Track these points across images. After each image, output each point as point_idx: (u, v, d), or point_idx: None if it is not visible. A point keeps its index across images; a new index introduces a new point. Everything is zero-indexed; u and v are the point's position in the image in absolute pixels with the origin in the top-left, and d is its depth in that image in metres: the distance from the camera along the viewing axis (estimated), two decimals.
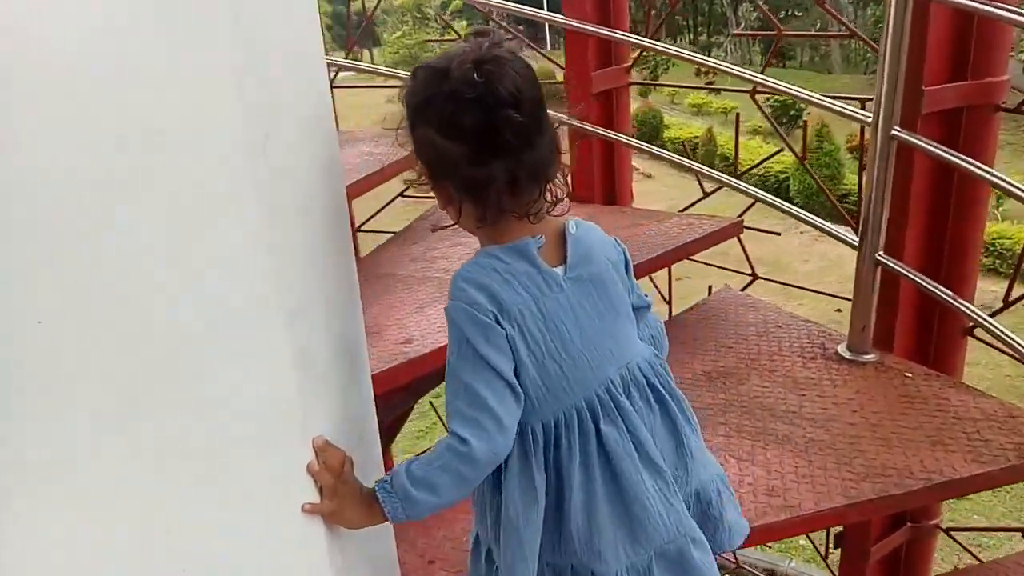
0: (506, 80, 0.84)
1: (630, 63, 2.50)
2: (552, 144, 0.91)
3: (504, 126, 0.84)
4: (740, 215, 2.25)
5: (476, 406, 0.87)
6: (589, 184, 2.53)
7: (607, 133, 2.43)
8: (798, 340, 1.98)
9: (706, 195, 2.43)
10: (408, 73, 0.92)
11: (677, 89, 17.71)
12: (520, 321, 0.89)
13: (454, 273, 0.92)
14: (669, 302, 2.51)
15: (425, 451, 0.92)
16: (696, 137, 15.39)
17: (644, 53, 2.77)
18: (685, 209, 2.52)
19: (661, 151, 2.57)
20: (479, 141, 0.85)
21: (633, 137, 2.61)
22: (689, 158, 2.50)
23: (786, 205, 2.18)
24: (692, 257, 2.16)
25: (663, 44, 2.11)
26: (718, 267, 2.53)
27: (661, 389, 1.01)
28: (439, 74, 0.86)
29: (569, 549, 0.96)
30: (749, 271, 2.41)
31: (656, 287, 2.47)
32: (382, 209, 2.86)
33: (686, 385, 1.81)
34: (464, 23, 20.18)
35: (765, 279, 2.46)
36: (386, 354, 1.62)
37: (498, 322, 0.88)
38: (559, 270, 0.93)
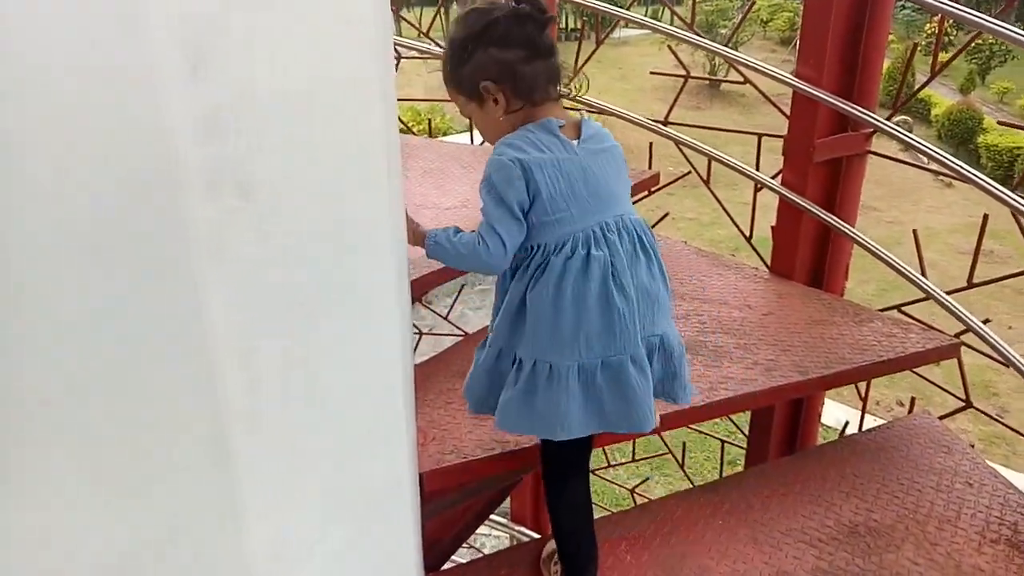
0: (541, 5, 1.24)
1: (872, 131, 2.20)
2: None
3: (545, 35, 1.24)
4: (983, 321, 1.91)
5: (496, 232, 1.22)
6: (790, 256, 2.29)
7: (821, 213, 2.17)
8: (987, 510, 1.67)
9: None
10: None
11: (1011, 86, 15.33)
12: (540, 168, 1.21)
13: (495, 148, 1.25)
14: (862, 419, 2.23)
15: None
16: (1020, 149, 13.28)
17: (977, 41, 2.38)
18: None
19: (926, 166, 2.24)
20: (530, 47, 1.23)
21: (941, 139, 2.22)
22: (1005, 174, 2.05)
23: None
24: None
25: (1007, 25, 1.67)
26: (925, 379, 2.19)
27: (648, 244, 1.30)
28: (487, 11, 1.23)
29: (537, 344, 1.25)
30: (962, 395, 2.06)
31: None
32: None
33: (819, 535, 1.62)
34: None
35: (981, 412, 2.09)
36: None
37: (522, 167, 1.20)
38: (575, 142, 1.27)
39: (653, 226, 2.75)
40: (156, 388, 0.68)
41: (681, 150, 2.49)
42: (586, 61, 2.63)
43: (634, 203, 1.41)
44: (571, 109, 1.40)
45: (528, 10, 1.23)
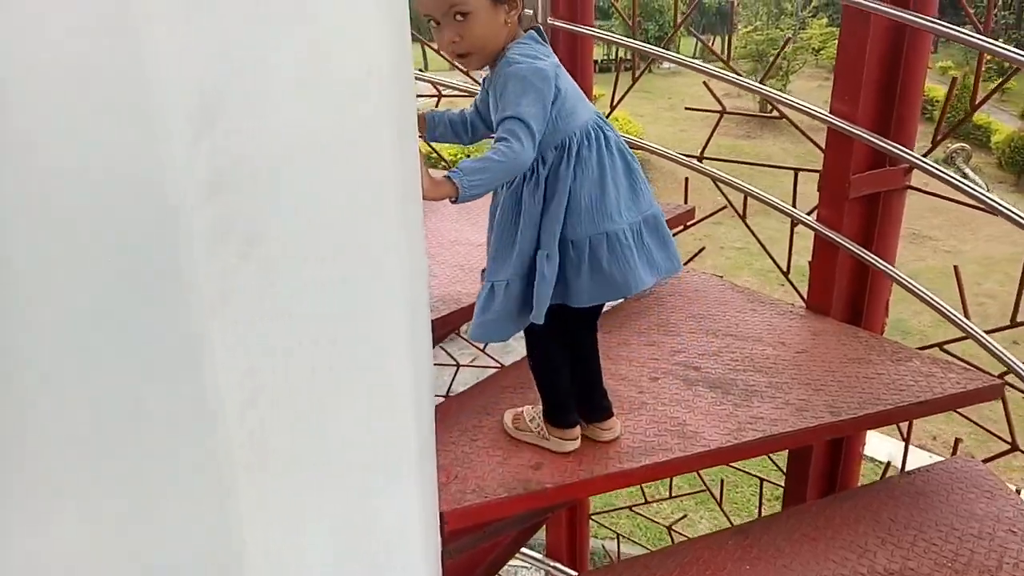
0: None
1: (909, 167, 2.16)
2: None
3: None
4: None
5: (531, 128, 1.31)
6: (827, 292, 2.25)
7: (857, 249, 2.13)
8: None
9: None
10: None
11: None
12: (559, 71, 1.38)
13: (508, 56, 1.37)
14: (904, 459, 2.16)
15: None
16: None
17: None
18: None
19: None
20: None
21: (1002, 167, 2.13)
22: None
23: None
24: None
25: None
26: (970, 420, 2.12)
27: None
28: None
29: (589, 220, 1.41)
30: (1008, 438, 1.99)
31: None
32: None
33: None
34: (824, 20, 18.82)
35: None
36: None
37: (556, 75, 1.36)
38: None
39: (687, 262, 2.76)
40: (158, 444, 0.70)
41: (718, 186, 2.48)
42: (624, 94, 2.65)
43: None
44: None
45: None
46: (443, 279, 2.19)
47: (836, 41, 2.16)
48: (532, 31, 1.42)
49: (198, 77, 0.64)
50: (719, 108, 2.49)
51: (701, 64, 2.37)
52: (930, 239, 12.16)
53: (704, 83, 2.45)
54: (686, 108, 2.69)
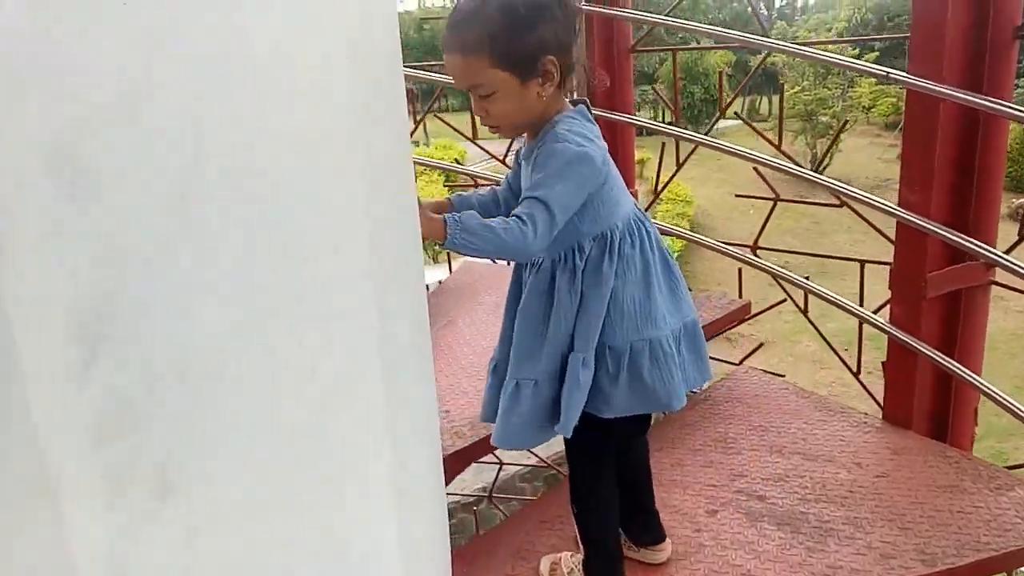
0: None
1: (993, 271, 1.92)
2: None
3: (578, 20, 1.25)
4: None
5: (552, 219, 1.17)
6: (905, 401, 2.00)
7: (936, 356, 1.90)
8: None
9: None
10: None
11: None
12: (606, 160, 1.24)
13: (556, 131, 1.22)
14: None
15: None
16: None
17: None
18: None
19: None
20: (575, 28, 1.23)
21: None
22: None
23: None
24: None
25: None
26: None
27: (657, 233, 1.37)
28: None
29: (632, 325, 1.28)
30: None
31: None
32: None
33: None
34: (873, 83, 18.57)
35: None
36: None
37: (600, 160, 1.21)
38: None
39: (745, 359, 2.54)
40: None
41: (779, 282, 2.27)
42: (675, 173, 2.49)
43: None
44: None
45: None
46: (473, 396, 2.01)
47: (887, 99, 1.96)
48: (581, 105, 1.28)
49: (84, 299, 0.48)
50: (773, 196, 2.31)
51: (751, 152, 2.20)
52: (1001, 299, 11.55)
53: (755, 169, 2.28)
54: (736, 195, 2.51)
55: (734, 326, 2.49)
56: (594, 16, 2.23)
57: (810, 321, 2.33)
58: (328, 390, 0.70)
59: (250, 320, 0.61)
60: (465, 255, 1.28)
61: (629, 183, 2.52)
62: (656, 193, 2.50)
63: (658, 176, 2.49)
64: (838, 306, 2.09)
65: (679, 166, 2.48)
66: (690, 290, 1.42)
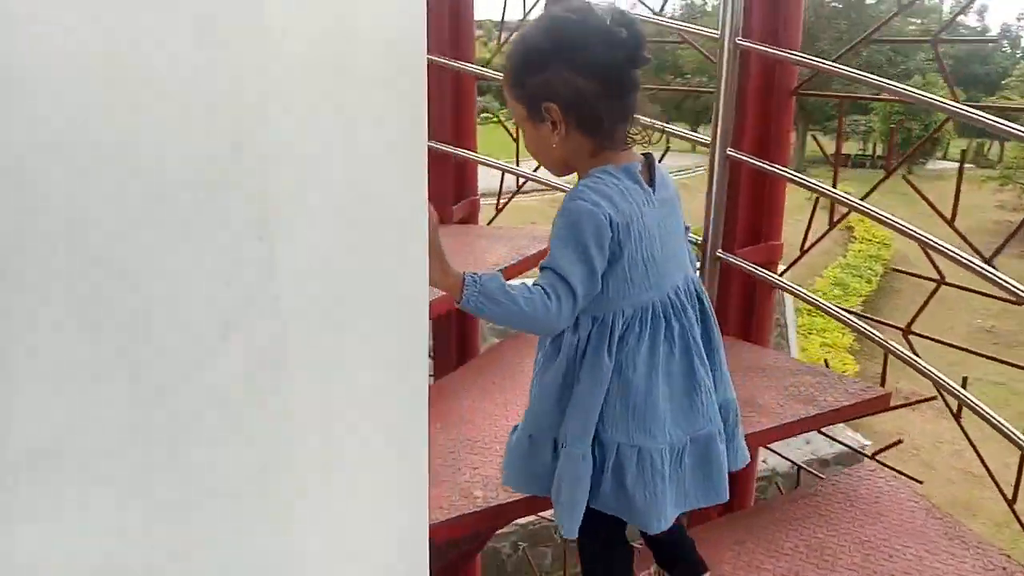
0: (641, 31, 1.05)
1: None
2: None
3: (634, 71, 1.08)
4: None
5: (571, 287, 1.07)
6: None
7: None
8: None
9: None
10: None
11: None
12: (629, 224, 1.09)
13: (577, 187, 1.11)
14: None
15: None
16: None
17: None
18: None
19: None
20: (617, 80, 1.07)
21: None
22: None
23: None
24: None
25: None
26: None
27: (707, 307, 1.22)
28: (577, 24, 1.06)
29: (621, 426, 1.14)
30: None
31: None
32: None
33: None
34: None
35: None
36: None
37: (611, 225, 1.07)
38: (651, 189, 1.14)
39: (879, 452, 2.22)
40: None
41: (929, 379, 1.96)
42: (873, 188, 2.23)
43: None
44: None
45: (624, 37, 1.06)
46: None
47: None
48: (635, 162, 1.14)
49: None
50: (936, 277, 1.99)
51: (909, 226, 1.91)
52: None
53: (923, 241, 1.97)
54: (894, 269, 2.20)
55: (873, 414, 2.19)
56: (751, 53, 2.02)
57: (963, 431, 1.99)
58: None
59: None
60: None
61: (773, 236, 2.28)
62: (802, 251, 2.24)
63: (806, 234, 2.22)
64: (996, 428, 1.77)
65: (833, 222, 2.20)
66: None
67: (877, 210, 1.95)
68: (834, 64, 1.93)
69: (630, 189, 1.11)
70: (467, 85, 2.66)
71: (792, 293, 2.15)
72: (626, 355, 1.13)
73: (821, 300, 2.17)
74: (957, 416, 1.99)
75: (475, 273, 1.09)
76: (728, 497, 1.23)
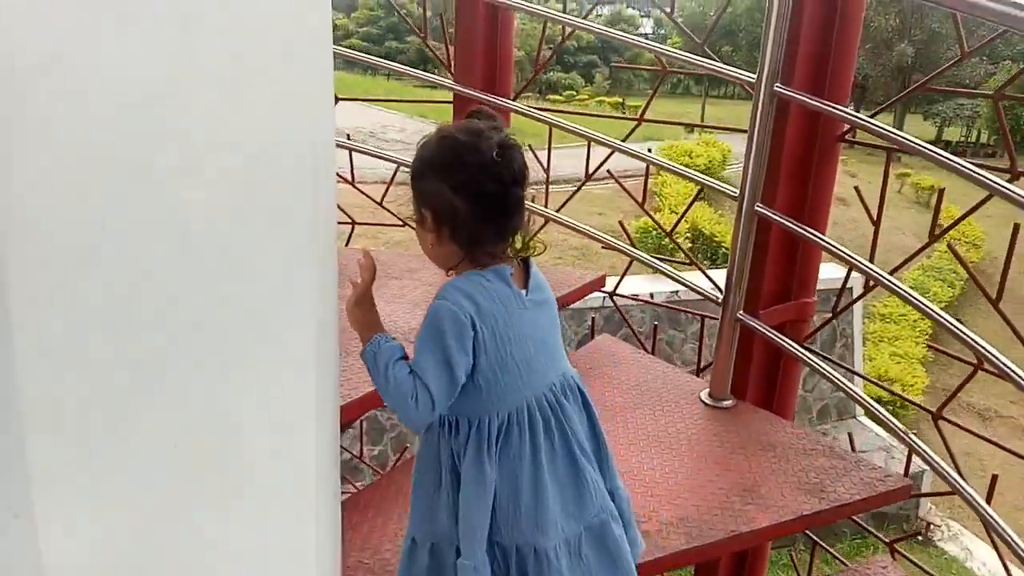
0: (518, 164, 1.12)
1: None
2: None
3: (511, 198, 1.13)
4: None
5: (428, 389, 1.10)
6: None
7: None
8: None
9: None
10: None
11: None
12: (493, 325, 1.12)
13: (444, 287, 1.14)
14: None
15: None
16: None
17: None
18: None
19: None
20: (489, 204, 1.12)
21: None
22: None
23: None
24: None
25: None
26: None
27: (587, 399, 1.25)
28: (466, 146, 1.11)
29: (516, 527, 1.16)
30: None
31: None
32: None
33: None
34: None
35: None
36: None
37: (473, 324, 1.10)
38: (523, 292, 1.18)
39: (894, 542, 2.04)
40: None
41: None
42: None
43: None
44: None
45: (507, 161, 1.11)
46: None
47: None
48: (505, 266, 1.16)
49: None
50: None
51: None
52: None
53: None
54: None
55: None
56: (791, 103, 1.81)
57: None
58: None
59: None
60: None
61: (805, 292, 2.10)
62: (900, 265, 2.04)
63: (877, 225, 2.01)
64: None
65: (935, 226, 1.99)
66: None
67: None
68: (877, 123, 1.71)
69: (499, 291, 1.14)
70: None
71: (812, 366, 1.95)
72: (510, 458, 1.15)
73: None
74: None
75: (388, 337, 1.16)
76: None
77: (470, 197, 1.11)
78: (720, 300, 2.02)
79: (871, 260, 1.75)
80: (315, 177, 0.87)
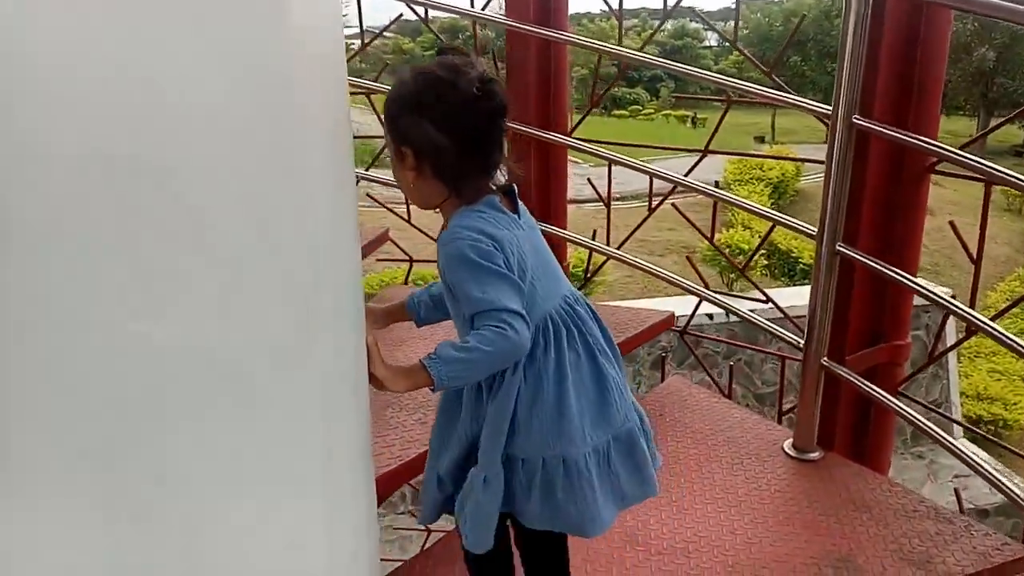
0: (499, 97, 1.14)
1: None
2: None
3: (495, 132, 1.16)
4: None
5: (519, 314, 1.08)
6: None
7: None
8: None
9: None
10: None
11: None
12: (509, 247, 1.13)
13: (448, 231, 1.15)
14: None
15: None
16: None
17: None
18: None
19: None
20: (473, 139, 1.13)
21: None
22: None
23: None
24: None
25: None
26: None
27: (594, 311, 1.26)
28: (446, 82, 1.11)
29: (542, 440, 1.17)
30: None
31: None
32: None
33: None
34: None
35: None
36: None
37: (494, 247, 1.11)
38: (516, 216, 1.21)
39: None
40: None
41: None
42: None
43: None
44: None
45: (489, 94, 1.11)
46: None
47: None
48: (492, 197, 1.17)
49: None
50: None
51: None
52: None
53: None
54: None
55: None
56: (871, 134, 1.66)
57: None
58: None
59: None
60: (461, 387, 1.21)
61: (898, 335, 1.93)
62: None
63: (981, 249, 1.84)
64: None
65: None
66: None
67: None
68: (968, 155, 1.55)
69: (498, 217, 1.16)
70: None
71: (908, 419, 1.78)
72: (537, 372, 1.16)
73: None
74: None
75: (431, 355, 1.10)
76: (658, 490, 1.27)
77: (454, 132, 1.11)
78: (801, 345, 1.87)
79: (972, 305, 1.58)
80: None
